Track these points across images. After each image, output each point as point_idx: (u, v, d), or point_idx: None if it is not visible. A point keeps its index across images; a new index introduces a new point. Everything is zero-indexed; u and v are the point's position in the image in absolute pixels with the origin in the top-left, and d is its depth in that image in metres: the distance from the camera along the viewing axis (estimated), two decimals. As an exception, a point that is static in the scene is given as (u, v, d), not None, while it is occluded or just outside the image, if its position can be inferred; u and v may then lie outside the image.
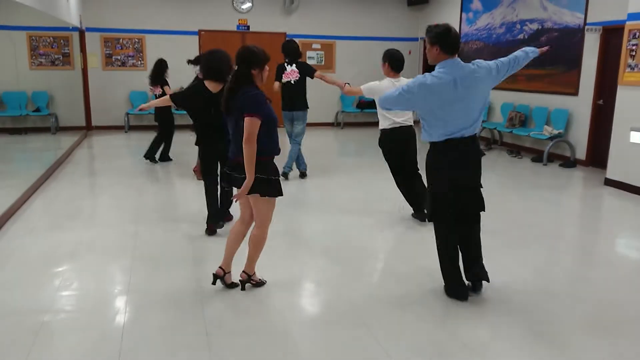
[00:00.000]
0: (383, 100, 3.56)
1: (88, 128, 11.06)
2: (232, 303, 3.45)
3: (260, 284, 3.65)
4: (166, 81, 7.59)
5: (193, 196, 6.04)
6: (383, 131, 5.03)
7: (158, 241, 4.62)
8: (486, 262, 3.63)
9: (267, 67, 3.35)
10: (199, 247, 4.48)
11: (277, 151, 3.39)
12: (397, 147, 5.06)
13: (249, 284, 3.62)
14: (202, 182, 4.84)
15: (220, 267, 3.61)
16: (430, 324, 3.21)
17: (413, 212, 5.27)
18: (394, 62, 4.90)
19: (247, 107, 3.19)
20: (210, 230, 4.73)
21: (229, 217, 5.02)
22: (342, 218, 5.31)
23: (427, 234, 4.56)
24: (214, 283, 3.59)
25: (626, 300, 3.59)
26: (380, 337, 3.01)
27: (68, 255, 4.21)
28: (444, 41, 3.29)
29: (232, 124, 3.37)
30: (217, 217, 4.79)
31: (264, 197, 3.32)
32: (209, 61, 4.53)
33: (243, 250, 3.59)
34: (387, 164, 5.21)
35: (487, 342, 3.03)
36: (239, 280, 3.61)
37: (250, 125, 3.16)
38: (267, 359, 2.83)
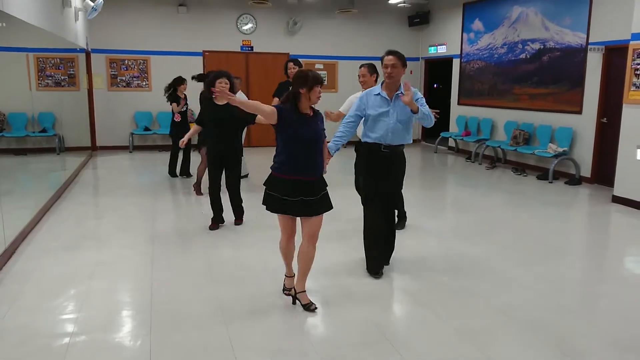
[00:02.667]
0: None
1: (93, 148, 11.07)
2: (257, 323, 3.44)
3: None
4: (178, 97, 7.97)
5: (203, 212, 6.04)
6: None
7: (175, 260, 4.62)
8: (499, 278, 3.64)
9: (316, 89, 3.44)
10: (217, 264, 4.48)
11: (295, 172, 3.46)
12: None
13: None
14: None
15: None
16: (452, 337, 3.21)
17: None
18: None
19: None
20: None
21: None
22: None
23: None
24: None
25: (648, 317, 3.61)
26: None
27: (87, 277, 4.20)
28: None
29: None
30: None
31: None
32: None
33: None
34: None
35: (515, 357, 3.04)
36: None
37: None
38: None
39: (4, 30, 5.74)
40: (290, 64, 6.71)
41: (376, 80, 5.16)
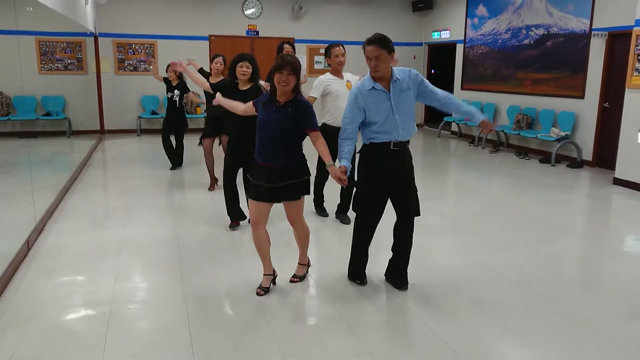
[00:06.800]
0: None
1: (101, 132, 11.21)
2: (283, 294, 3.65)
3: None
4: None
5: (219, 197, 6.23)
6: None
7: (198, 237, 4.82)
8: (512, 256, 3.88)
9: (277, 77, 3.36)
10: (240, 242, 4.69)
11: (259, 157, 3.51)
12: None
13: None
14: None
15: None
16: (470, 306, 3.44)
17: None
18: None
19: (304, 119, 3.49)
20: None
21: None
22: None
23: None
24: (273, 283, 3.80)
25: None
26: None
27: (116, 252, 4.40)
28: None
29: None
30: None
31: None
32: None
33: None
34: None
35: (531, 327, 3.25)
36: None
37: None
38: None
39: (18, 12, 5.85)
40: (286, 46, 5.91)
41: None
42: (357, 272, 3.85)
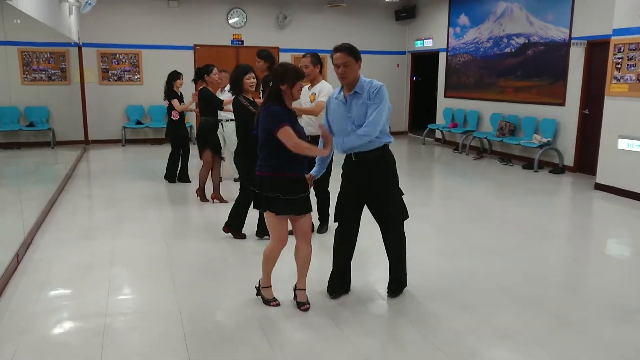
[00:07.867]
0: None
1: (86, 142, 11.13)
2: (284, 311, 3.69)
3: (265, 300, 3.65)
4: (175, 94, 7.37)
5: (208, 210, 6.24)
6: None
7: (189, 247, 4.83)
8: (498, 260, 3.95)
9: (299, 84, 3.34)
10: (232, 252, 4.70)
11: (296, 170, 3.40)
12: None
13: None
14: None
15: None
16: (458, 310, 3.51)
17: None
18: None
19: (269, 125, 3.28)
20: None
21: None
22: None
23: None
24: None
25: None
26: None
27: (107, 263, 4.39)
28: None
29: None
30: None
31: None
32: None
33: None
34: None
35: (520, 330, 3.33)
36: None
37: (285, 136, 3.25)
38: None
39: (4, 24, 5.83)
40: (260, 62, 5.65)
41: (320, 72, 4.86)
42: (330, 283, 3.76)
